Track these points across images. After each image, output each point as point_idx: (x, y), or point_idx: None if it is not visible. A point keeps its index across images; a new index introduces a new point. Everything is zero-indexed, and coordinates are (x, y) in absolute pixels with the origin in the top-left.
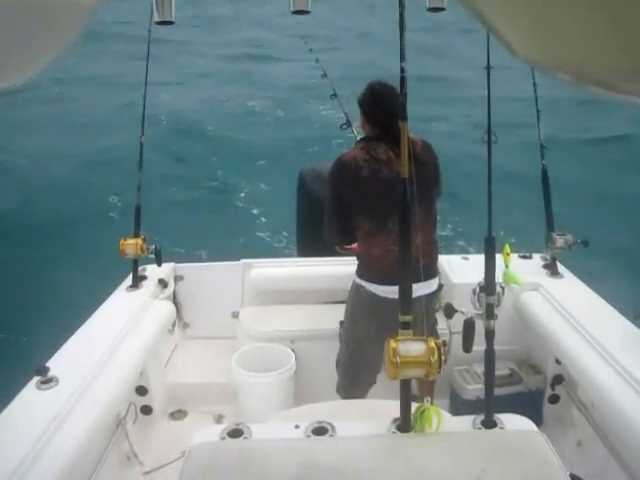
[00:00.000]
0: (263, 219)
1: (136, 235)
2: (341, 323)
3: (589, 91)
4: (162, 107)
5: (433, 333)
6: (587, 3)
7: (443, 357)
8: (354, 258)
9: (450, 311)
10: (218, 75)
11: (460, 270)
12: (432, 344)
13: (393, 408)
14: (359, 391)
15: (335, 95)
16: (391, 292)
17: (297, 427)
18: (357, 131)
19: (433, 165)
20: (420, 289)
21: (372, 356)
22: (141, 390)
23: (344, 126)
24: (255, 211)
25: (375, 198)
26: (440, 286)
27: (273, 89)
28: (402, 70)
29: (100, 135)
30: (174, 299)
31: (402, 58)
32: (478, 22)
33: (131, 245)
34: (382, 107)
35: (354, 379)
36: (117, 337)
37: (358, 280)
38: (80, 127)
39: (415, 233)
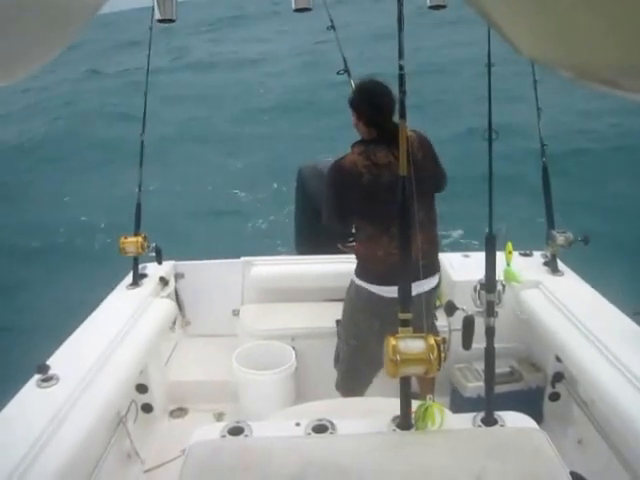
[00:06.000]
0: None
1: (137, 233)
2: (337, 322)
3: (593, 88)
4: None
5: (432, 329)
6: (590, 0)
7: (443, 354)
8: (354, 256)
9: (451, 309)
10: None
11: (461, 268)
12: (432, 341)
13: (393, 406)
14: (360, 388)
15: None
16: (392, 292)
17: (297, 425)
18: (353, 83)
19: (430, 160)
20: (420, 286)
21: (375, 353)
22: (142, 388)
23: (341, 72)
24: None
25: (377, 204)
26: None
27: None
28: (401, 68)
29: None
30: (175, 297)
31: (401, 56)
32: (481, 19)
33: (131, 243)
34: (376, 105)
35: (356, 376)
36: (117, 335)
37: (357, 281)
38: None
39: (415, 233)
